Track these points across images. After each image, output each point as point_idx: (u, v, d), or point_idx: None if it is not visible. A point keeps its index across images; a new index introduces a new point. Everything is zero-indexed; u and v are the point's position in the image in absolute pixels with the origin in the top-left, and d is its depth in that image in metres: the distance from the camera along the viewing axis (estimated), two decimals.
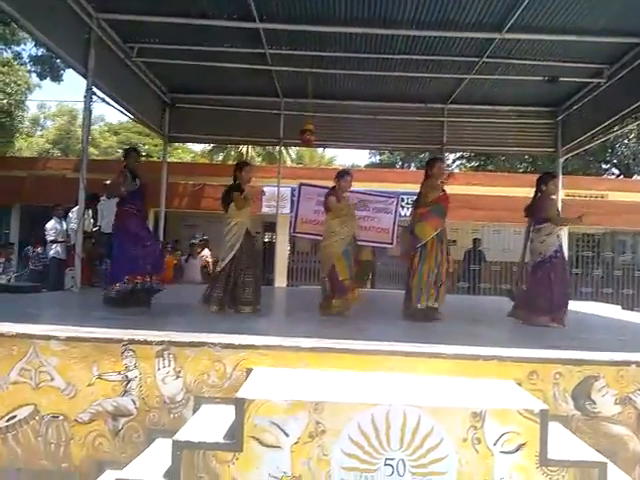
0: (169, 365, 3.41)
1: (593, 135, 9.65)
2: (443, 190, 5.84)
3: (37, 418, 3.37)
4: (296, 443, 2.69)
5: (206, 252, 12.05)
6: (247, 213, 5.74)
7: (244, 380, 3.25)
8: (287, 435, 2.71)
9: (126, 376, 3.41)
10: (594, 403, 3.42)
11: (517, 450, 2.75)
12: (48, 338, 3.45)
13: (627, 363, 3.47)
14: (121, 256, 5.63)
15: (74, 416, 3.38)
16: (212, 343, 3.42)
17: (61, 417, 3.38)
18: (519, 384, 3.34)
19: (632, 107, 8.14)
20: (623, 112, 8.41)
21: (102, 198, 8.82)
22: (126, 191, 5.70)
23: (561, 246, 5.79)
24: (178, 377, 3.41)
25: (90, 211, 8.70)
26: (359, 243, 6.28)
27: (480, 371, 3.41)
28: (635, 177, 22.71)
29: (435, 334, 4.62)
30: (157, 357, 3.41)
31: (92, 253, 8.68)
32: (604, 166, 24.57)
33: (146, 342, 3.44)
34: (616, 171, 24.17)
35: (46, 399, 3.39)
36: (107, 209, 8.61)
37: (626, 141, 22.22)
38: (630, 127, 13.68)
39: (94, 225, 8.85)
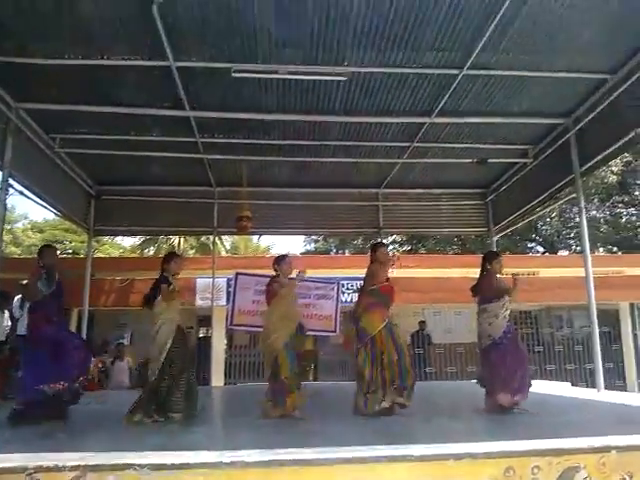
0: None
1: (522, 214, 9.91)
2: (387, 278, 5.70)
3: None
4: None
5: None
6: (176, 308, 5.28)
7: None
8: None
9: None
10: None
11: None
12: None
13: (607, 449, 3.18)
14: (31, 366, 5.05)
15: None
16: (139, 465, 2.86)
17: None
18: None
19: (557, 185, 8.41)
20: (549, 190, 8.68)
21: (18, 297, 8.08)
22: (42, 295, 5.24)
23: (511, 326, 5.64)
24: None
25: (5, 313, 7.92)
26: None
27: (451, 472, 3.03)
28: (560, 253, 23.78)
29: (396, 432, 4.20)
30: None
31: (7, 360, 7.79)
32: (529, 244, 25.71)
33: (57, 468, 2.84)
34: (540, 249, 25.31)
35: None
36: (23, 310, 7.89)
37: (548, 219, 23.44)
38: (552, 207, 14.34)
39: (11, 328, 8.03)
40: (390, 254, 5.91)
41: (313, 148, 8.75)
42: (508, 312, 5.60)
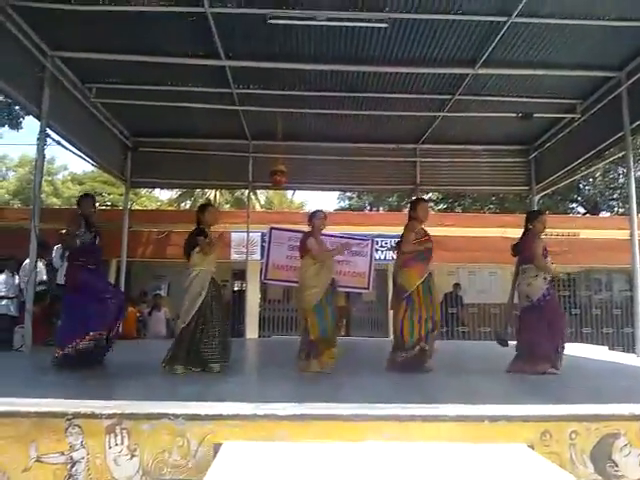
0: (122, 442, 2.89)
1: (566, 172, 9.57)
2: (426, 233, 5.54)
3: None
4: None
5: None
6: (212, 260, 5.23)
7: (212, 458, 2.76)
8: None
9: (71, 457, 2.88)
10: (616, 465, 3.04)
11: None
12: None
13: None
14: (70, 317, 5.14)
15: None
16: (173, 414, 2.90)
17: None
18: (531, 447, 2.91)
19: (606, 143, 8.05)
20: (597, 148, 8.31)
21: (58, 246, 8.25)
22: (81, 243, 5.26)
23: (550, 289, 5.45)
24: (133, 456, 2.88)
25: (41, 262, 8.10)
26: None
27: (486, 434, 2.98)
28: (602, 214, 23.05)
29: (429, 391, 4.16)
30: (107, 433, 2.89)
31: (49, 308, 8.03)
32: (571, 205, 24.97)
33: (94, 415, 2.90)
34: (582, 210, 24.57)
35: None
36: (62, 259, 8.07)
37: (591, 179, 22.66)
38: (596, 166, 13.80)
39: (51, 277, 8.23)
40: (428, 212, 5.67)
41: (350, 100, 8.54)
42: (549, 274, 5.41)
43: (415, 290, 5.27)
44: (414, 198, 6.71)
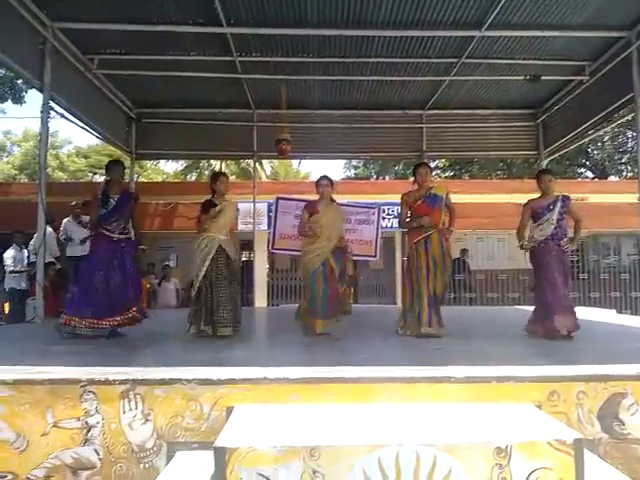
0: (136, 407, 2.95)
1: (575, 136, 9.46)
2: (426, 195, 5.38)
3: None
4: None
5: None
6: (220, 227, 5.28)
7: (224, 421, 2.82)
8: None
9: (86, 422, 2.94)
10: (623, 424, 3.07)
11: None
12: None
13: None
14: (85, 288, 5.06)
15: (26, 473, 2.89)
16: (186, 379, 2.95)
17: (10, 476, 2.88)
18: (539, 407, 2.95)
19: (616, 104, 7.92)
20: (606, 110, 8.20)
21: (67, 219, 8.31)
22: (98, 217, 5.19)
23: (558, 235, 5.23)
24: (147, 421, 2.94)
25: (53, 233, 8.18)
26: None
27: (494, 395, 3.02)
28: (611, 178, 22.82)
29: (436, 354, 4.19)
30: (122, 399, 2.95)
31: (58, 280, 8.12)
32: (579, 170, 24.72)
33: (108, 382, 2.96)
34: (590, 174, 24.32)
35: None
36: (74, 232, 8.12)
37: (600, 143, 22.37)
38: (605, 129, 13.61)
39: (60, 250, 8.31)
40: (425, 176, 5.46)
41: (355, 66, 8.44)
42: (558, 219, 5.23)
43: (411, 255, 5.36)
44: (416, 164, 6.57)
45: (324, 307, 5.28)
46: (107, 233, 5.12)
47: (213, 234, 5.22)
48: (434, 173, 26.20)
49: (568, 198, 5.35)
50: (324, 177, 5.65)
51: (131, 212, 5.36)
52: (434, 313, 5.17)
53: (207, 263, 5.12)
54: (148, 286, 11.01)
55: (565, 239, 5.25)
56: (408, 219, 5.47)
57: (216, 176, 5.64)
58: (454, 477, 2.32)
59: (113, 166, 5.42)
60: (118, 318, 5.03)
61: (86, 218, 7.91)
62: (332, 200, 5.68)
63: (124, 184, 5.57)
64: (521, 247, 5.43)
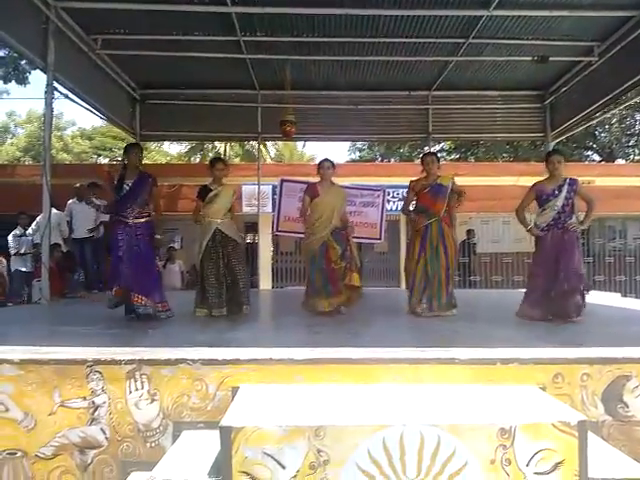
0: (142, 387, 2.97)
1: (583, 117, 9.39)
2: (430, 187, 5.59)
3: None
4: (295, 477, 2.27)
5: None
6: (217, 211, 5.49)
7: (230, 401, 2.84)
8: (284, 467, 2.28)
9: (93, 402, 2.97)
10: (627, 406, 3.08)
11: (553, 470, 2.37)
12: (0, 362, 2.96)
13: None
14: (112, 267, 5.12)
15: (35, 451, 2.93)
16: (191, 359, 2.97)
17: (19, 453, 2.92)
18: (543, 389, 2.96)
19: (625, 86, 7.85)
20: (616, 91, 8.12)
21: (72, 201, 8.31)
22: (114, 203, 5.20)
23: (561, 221, 5.05)
24: (153, 400, 2.97)
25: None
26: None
27: (498, 376, 3.03)
28: (618, 162, 22.65)
29: (441, 336, 4.20)
30: (128, 379, 2.97)
31: (63, 261, 8.15)
32: (586, 153, 24.53)
33: (114, 362, 2.98)
34: (597, 157, 24.14)
35: (0, 433, 2.92)
36: (79, 214, 8.13)
37: (607, 126, 22.16)
38: (612, 112, 13.49)
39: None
40: (432, 165, 5.62)
41: (360, 46, 8.36)
42: (563, 205, 5.04)
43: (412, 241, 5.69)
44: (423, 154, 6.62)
45: (326, 286, 5.45)
46: (122, 218, 5.08)
47: (210, 218, 5.44)
48: (440, 155, 26.12)
49: (576, 182, 5.12)
50: (326, 159, 5.80)
51: (148, 197, 5.23)
52: (436, 296, 5.42)
53: (204, 245, 5.37)
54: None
55: (572, 220, 5.06)
56: (411, 207, 5.78)
57: (213, 162, 5.78)
58: (458, 457, 2.33)
59: (129, 149, 5.31)
60: (144, 300, 4.97)
61: (98, 201, 7.94)
62: (332, 183, 5.79)
63: (141, 168, 5.33)
64: (529, 231, 5.29)
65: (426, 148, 10.39)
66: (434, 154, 5.99)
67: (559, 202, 5.03)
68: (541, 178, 5.34)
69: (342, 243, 5.57)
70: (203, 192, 5.56)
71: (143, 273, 5.02)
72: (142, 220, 5.11)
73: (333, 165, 5.75)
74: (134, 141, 9.54)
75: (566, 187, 5.04)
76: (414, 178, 5.75)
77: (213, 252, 5.37)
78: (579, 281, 5.04)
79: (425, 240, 5.47)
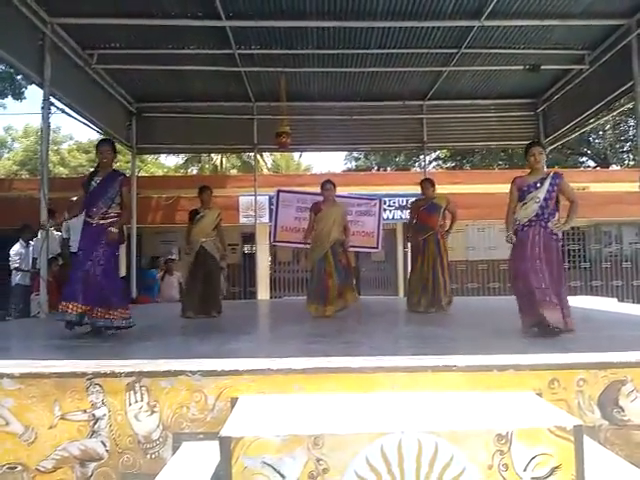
0: (142, 399, 2.98)
1: (575, 125, 9.46)
2: (425, 207, 6.83)
3: None
4: None
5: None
6: (198, 232, 6.55)
7: (229, 411, 2.86)
8: (283, 477, 2.30)
9: (93, 414, 2.98)
10: (622, 410, 3.10)
11: (550, 474, 2.39)
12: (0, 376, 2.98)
13: None
14: (70, 275, 4.83)
15: (35, 465, 2.93)
16: (190, 371, 2.99)
17: (20, 467, 2.93)
18: (539, 395, 2.99)
19: (616, 93, 7.92)
20: (606, 99, 8.20)
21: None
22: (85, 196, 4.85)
23: (544, 216, 4.60)
24: (153, 412, 2.98)
25: (55, 232, 8.20)
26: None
27: (495, 383, 3.05)
28: (612, 167, 22.75)
29: (438, 344, 4.23)
30: (127, 391, 2.98)
31: (61, 275, 8.14)
32: (580, 159, 24.65)
33: (113, 374, 3.00)
34: (592, 163, 24.25)
35: (1, 447, 2.92)
36: (76, 226, 8.12)
37: (601, 132, 22.29)
38: (605, 118, 13.58)
39: (63, 245, 8.32)
40: (428, 189, 6.86)
41: (354, 57, 8.45)
42: (545, 198, 4.61)
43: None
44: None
45: (323, 293, 6.18)
46: (87, 219, 4.78)
47: (193, 237, 6.56)
48: (435, 164, 26.26)
49: (560, 176, 4.73)
50: (328, 181, 6.68)
51: (119, 197, 4.84)
52: (431, 297, 6.55)
53: (190, 260, 6.56)
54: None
55: (554, 219, 4.63)
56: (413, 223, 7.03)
57: (200, 190, 6.79)
58: (456, 463, 2.35)
59: (99, 147, 4.98)
60: (89, 308, 4.59)
61: (55, 232, 7.91)
62: (334, 201, 6.63)
63: (114, 167, 5.06)
64: (507, 240, 4.76)
65: (421, 157, 10.46)
66: (430, 180, 7.08)
67: (540, 194, 4.60)
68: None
69: (339, 254, 6.29)
70: (193, 215, 6.66)
71: (104, 284, 4.65)
72: (107, 222, 4.73)
73: (334, 186, 6.60)
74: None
75: (549, 180, 4.64)
76: (413, 199, 7.34)
77: (194, 266, 6.52)
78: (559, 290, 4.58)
79: (424, 250, 6.66)
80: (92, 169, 5.05)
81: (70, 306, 4.54)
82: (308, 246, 6.70)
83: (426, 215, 6.76)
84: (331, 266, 6.16)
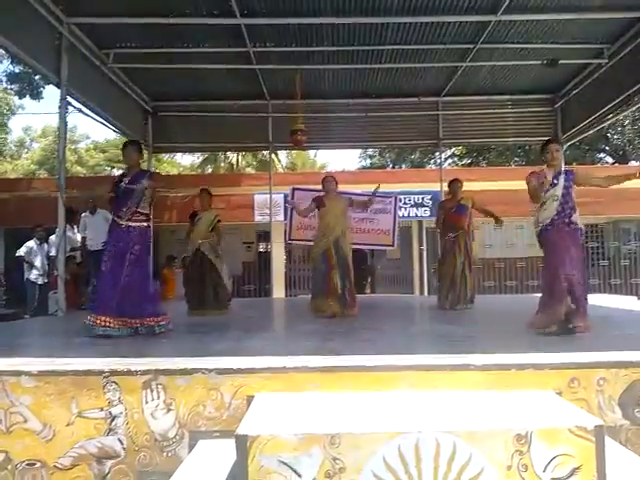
0: (158, 397, 2.98)
1: (594, 120, 9.32)
2: (455, 208, 7.14)
3: (9, 467, 2.93)
4: None
5: None
6: (196, 235, 6.86)
7: (245, 410, 2.84)
8: (299, 476, 2.28)
9: (110, 412, 2.99)
10: None
11: (571, 475, 2.34)
12: (18, 374, 3.00)
13: None
14: (99, 284, 4.77)
15: (53, 462, 2.95)
16: (206, 369, 2.99)
17: (38, 464, 2.95)
18: (559, 394, 2.94)
19: (635, 88, 7.79)
20: (626, 94, 8.06)
21: (85, 214, 8.39)
22: (108, 193, 4.87)
23: (564, 214, 4.56)
24: (169, 410, 2.98)
25: (75, 227, 8.29)
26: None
27: (513, 382, 3.01)
28: (631, 163, 22.41)
29: (456, 342, 4.18)
30: (144, 389, 2.99)
31: (78, 273, 8.23)
32: (599, 155, 24.32)
33: (130, 372, 3.00)
34: (610, 159, 23.91)
35: (20, 444, 2.95)
36: (93, 225, 8.19)
37: (620, 128, 21.97)
38: (624, 113, 13.36)
39: (81, 244, 8.40)
40: (458, 190, 7.20)
41: (369, 54, 8.40)
42: (563, 194, 4.58)
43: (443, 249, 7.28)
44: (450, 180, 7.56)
45: (325, 289, 6.15)
46: (116, 219, 4.74)
47: (193, 239, 6.90)
48: (451, 161, 26.10)
49: (572, 171, 4.75)
50: (329, 176, 6.91)
51: (146, 195, 4.80)
52: (458, 292, 6.89)
53: (189, 260, 6.96)
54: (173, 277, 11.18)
55: (576, 214, 4.59)
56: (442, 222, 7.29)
57: (199, 192, 7.14)
58: (474, 464, 2.32)
59: (125, 149, 4.98)
60: (138, 321, 4.68)
61: (70, 232, 8.00)
62: (336, 194, 6.66)
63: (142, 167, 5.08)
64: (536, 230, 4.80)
65: (437, 154, 10.40)
66: (459, 181, 7.29)
67: (558, 191, 4.57)
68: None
69: (343, 250, 6.24)
70: (192, 217, 7.03)
71: (136, 292, 4.65)
72: (136, 224, 4.73)
73: (335, 180, 6.71)
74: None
75: (563, 176, 4.62)
76: (442, 199, 7.68)
77: (193, 266, 6.85)
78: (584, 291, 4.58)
79: (454, 249, 6.99)
80: (121, 171, 5.22)
81: (108, 320, 4.50)
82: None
83: (456, 216, 7.10)
84: (333, 259, 6.15)
